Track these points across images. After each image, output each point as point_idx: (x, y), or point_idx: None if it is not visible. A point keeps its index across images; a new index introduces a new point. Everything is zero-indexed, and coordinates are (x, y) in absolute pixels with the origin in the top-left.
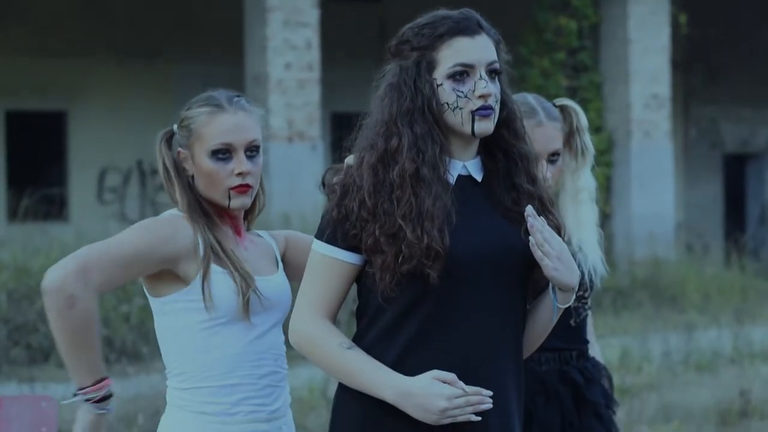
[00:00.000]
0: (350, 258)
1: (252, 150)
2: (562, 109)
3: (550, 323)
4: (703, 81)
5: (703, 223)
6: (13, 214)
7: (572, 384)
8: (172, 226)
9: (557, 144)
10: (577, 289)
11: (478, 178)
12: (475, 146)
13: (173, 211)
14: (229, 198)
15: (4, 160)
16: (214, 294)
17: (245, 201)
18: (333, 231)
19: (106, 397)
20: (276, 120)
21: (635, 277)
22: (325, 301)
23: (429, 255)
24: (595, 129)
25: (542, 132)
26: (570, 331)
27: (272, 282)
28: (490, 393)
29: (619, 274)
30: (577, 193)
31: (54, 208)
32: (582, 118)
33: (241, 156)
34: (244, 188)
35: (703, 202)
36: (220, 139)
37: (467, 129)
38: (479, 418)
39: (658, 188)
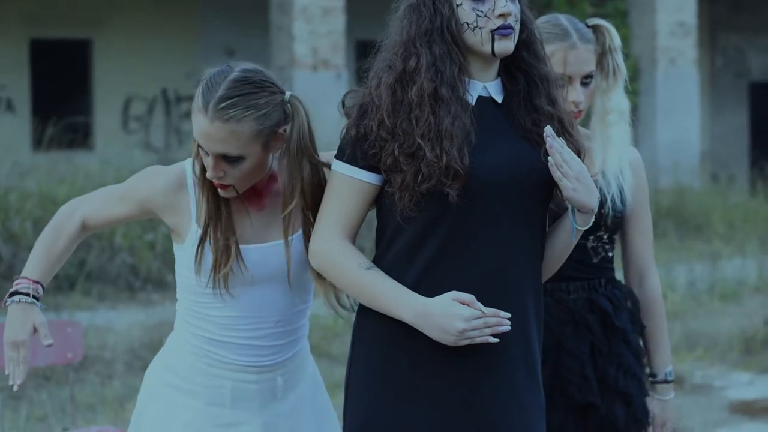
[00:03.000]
0: (370, 177)
1: (229, 157)
2: (595, 28)
3: (569, 246)
4: (728, 10)
5: (729, 152)
6: (37, 143)
7: (601, 312)
8: (169, 178)
9: (591, 66)
10: (596, 211)
11: (499, 99)
12: (495, 67)
13: (185, 163)
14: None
15: (29, 89)
16: (203, 261)
17: (227, 194)
18: (353, 151)
19: (17, 293)
20: (300, 48)
21: (660, 206)
22: (345, 220)
23: (448, 174)
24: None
25: (576, 54)
26: (594, 266)
27: (269, 250)
28: (509, 315)
29: None
30: (606, 115)
31: (79, 136)
32: (615, 38)
33: (209, 160)
34: (220, 186)
35: (729, 131)
36: (197, 138)
37: (487, 48)
38: (497, 340)
39: (684, 117)
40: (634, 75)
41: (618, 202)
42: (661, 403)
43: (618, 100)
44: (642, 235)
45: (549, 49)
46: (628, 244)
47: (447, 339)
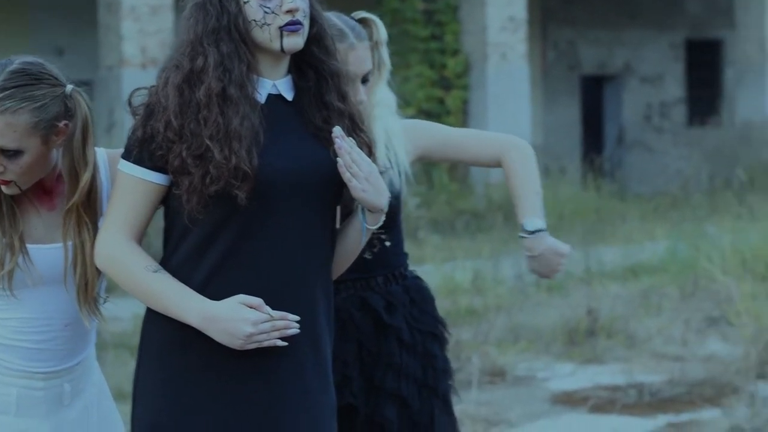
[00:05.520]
0: (157, 178)
1: (6, 151)
2: (364, 22)
3: (359, 245)
4: (560, 3)
5: (561, 145)
6: None
7: (372, 310)
8: None
9: (369, 63)
10: (386, 210)
11: (289, 97)
12: (285, 64)
13: None
14: None
15: None
16: None
17: (10, 191)
18: (139, 152)
19: None
20: (129, 47)
21: (491, 200)
22: (132, 221)
23: (237, 176)
24: (452, 52)
25: (355, 55)
26: (368, 262)
27: (60, 251)
28: (297, 318)
29: (474, 197)
30: (372, 109)
31: None
32: (382, 31)
33: None
34: (1, 182)
35: (561, 124)
36: None
37: (276, 45)
38: (285, 344)
39: (515, 111)
40: (465, 70)
41: (393, 192)
42: (532, 241)
43: (383, 94)
44: (465, 148)
45: None
46: (468, 160)
47: (234, 343)
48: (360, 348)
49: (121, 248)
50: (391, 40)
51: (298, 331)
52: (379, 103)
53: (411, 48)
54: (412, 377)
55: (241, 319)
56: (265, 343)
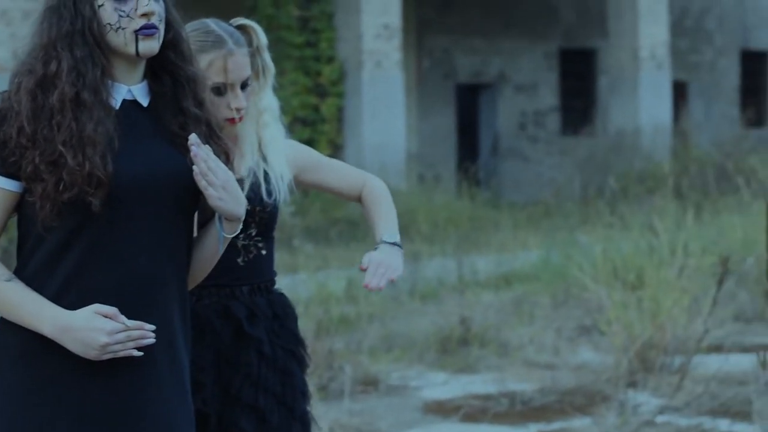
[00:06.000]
0: (9, 185)
1: None
2: (243, 29)
3: (216, 253)
4: (435, 11)
5: (436, 153)
6: None
7: (234, 319)
8: None
9: (248, 70)
10: (243, 219)
11: (144, 102)
12: (140, 69)
13: None
14: None
15: None
16: None
17: None
18: None
19: None
20: (1, 51)
21: None
22: None
23: (91, 182)
24: (327, 59)
25: (234, 61)
26: (239, 268)
27: None
28: (153, 327)
29: (349, 205)
30: (260, 115)
31: None
32: (262, 37)
33: None
34: None
35: (437, 132)
36: None
37: (131, 49)
38: (141, 354)
39: (390, 118)
40: (340, 77)
41: (272, 199)
42: (381, 252)
43: (269, 100)
44: (333, 174)
45: (206, 58)
46: (332, 188)
47: (89, 353)
48: (218, 356)
49: None
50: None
51: (154, 340)
52: (267, 109)
53: (286, 55)
54: (271, 391)
55: (95, 329)
56: (121, 353)
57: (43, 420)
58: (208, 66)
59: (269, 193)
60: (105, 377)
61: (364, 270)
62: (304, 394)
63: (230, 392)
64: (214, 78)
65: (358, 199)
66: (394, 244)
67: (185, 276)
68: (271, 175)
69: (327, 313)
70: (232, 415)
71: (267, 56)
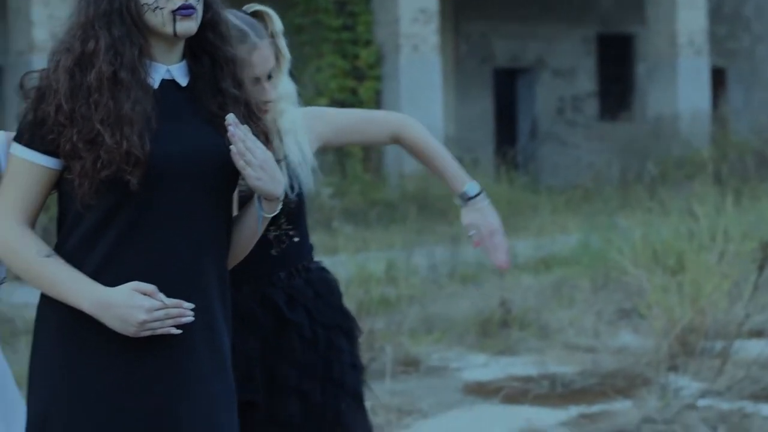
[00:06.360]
0: (49, 162)
1: None
2: (257, 15)
3: (256, 233)
4: None
5: (474, 137)
6: None
7: (274, 306)
8: None
9: (272, 60)
10: (282, 198)
11: (183, 82)
12: (179, 49)
13: None
14: None
15: None
16: None
17: None
18: (31, 135)
19: None
20: (39, 32)
21: (405, 191)
22: (24, 205)
23: (128, 161)
24: (365, 43)
25: (259, 54)
26: (273, 258)
27: None
28: (192, 306)
29: (388, 188)
30: (276, 103)
31: None
32: (277, 23)
33: None
34: None
35: (474, 116)
36: None
37: (169, 29)
38: (179, 331)
39: (427, 102)
40: (377, 61)
41: (298, 188)
42: (476, 213)
43: (285, 86)
44: (359, 132)
45: None
46: (365, 142)
47: (128, 330)
48: (264, 344)
49: (13, 233)
50: (304, 30)
51: (193, 319)
52: (283, 97)
53: (323, 38)
54: (314, 374)
55: (134, 306)
56: (159, 331)
57: (80, 397)
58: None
59: (293, 184)
60: (145, 355)
61: (477, 246)
62: (354, 367)
63: (276, 379)
64: (250, 73)
65: (395, 142)
66: (478, 194)
67: (224, 255)
68: (294, 163)
69: (367, 294)
70: (280, 400)
71: (283, 43)
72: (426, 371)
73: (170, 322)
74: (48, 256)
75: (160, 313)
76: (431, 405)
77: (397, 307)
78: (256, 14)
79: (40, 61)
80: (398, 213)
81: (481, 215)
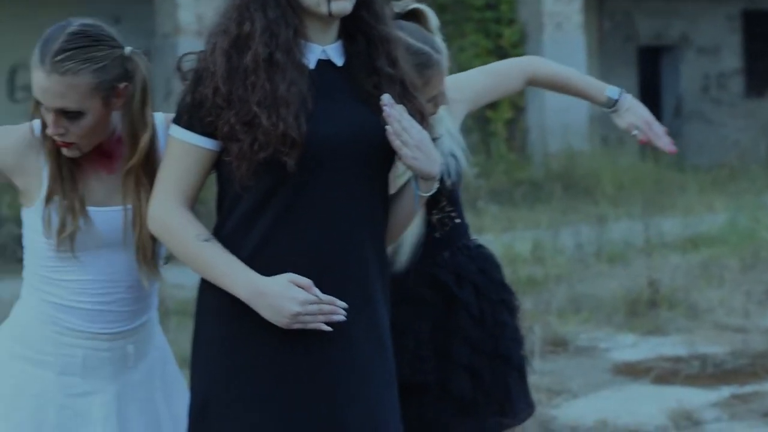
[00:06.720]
0: (207, 144)
1: (68, 113)
2: (414, 14)
3: (413, 212)
4: None
5: None
6: None
7: (442, 285)
8: (19, 136)
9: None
10: (438, 177)
11: (338, 62)
12: (334, 29)
13: (34, 123)
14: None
15: None
16: (51, 222)
17: (71, 153)
18: (189, 117)
19: None
20: (185, 15)
21: (550, 170)
22: (183, 187)
23: (285, 142)
24: (508, 22)
25: (440, 75)
26: (437, 240)
27: (120, 213)
28: (345, 305)
29: (533, 166)
30: None
31: None
32: (434, 20)
33: (50, 117)
34: (63, 145)
35: None
36: (36, 94)
37: (323, 9)
38: (330, 329)
39: None
40: (521, 39)
41: (453, 171)
42: (628, 113)
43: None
44: (492, 90)
45: (422, 78)
46: (503, 95)
47: (280, 321)
48: (434, 325)
49: (173, 215)
50: (447, 9)
51: (344, 318)
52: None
53: (466, 17)
54: (483, 350)
55: (289, 298)
56: (310, 326)
57: (242, 380)
58: (424, 85)
59: (449, 166)
60: (304, 339)
61: (643, 143)
62: (516, 341)
63: (448, 357)
64: (431, 93)
65: (528, 85)
66: (621, 95)
67: (381, 235)
68: (448, 144)
69: (514, 274)
70: (451, 378)
71: (439, 39)
72: (574, 351)
73: (322, 317)
74: (206, 240)
75: (314, 308)
76: (580, 385)
77: (545, 286)
78: (412, 13)
79: (185, 43)
80: (543, 192)
81: (633, 113)
